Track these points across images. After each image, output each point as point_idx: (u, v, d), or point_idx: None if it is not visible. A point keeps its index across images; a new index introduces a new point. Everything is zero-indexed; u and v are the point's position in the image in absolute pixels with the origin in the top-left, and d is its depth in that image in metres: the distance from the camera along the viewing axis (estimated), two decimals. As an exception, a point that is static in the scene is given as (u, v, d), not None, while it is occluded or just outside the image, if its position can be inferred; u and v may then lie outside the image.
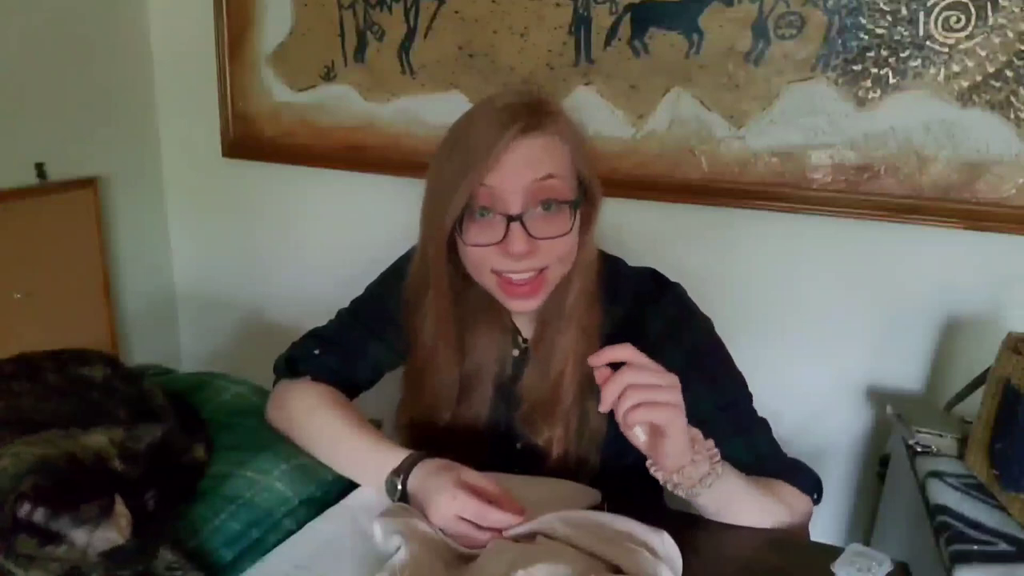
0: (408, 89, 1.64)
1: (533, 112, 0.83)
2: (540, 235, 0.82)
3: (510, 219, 0.81)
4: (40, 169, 1.63)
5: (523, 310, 0.88)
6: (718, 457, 0.80)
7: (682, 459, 0.77)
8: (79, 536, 0.60)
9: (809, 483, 0.91)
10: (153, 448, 0.68)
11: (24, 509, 0.58)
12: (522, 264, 0.83)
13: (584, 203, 0.87)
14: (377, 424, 0.96)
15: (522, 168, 0.81)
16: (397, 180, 1.65)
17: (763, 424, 0.93)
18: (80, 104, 1.71)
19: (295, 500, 0.84)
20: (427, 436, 0.97)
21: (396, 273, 1.03)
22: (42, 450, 0.63)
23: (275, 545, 0.78)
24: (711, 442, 0.81)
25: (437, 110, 1.61)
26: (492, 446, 0.97)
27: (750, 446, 0.90)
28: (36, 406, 0.74)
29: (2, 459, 0.62)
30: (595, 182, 0.88)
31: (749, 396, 0.94)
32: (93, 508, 0.61)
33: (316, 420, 0.93)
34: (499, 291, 0.87)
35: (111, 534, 0.61)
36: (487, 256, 0.84)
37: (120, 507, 0.62)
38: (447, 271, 0.89)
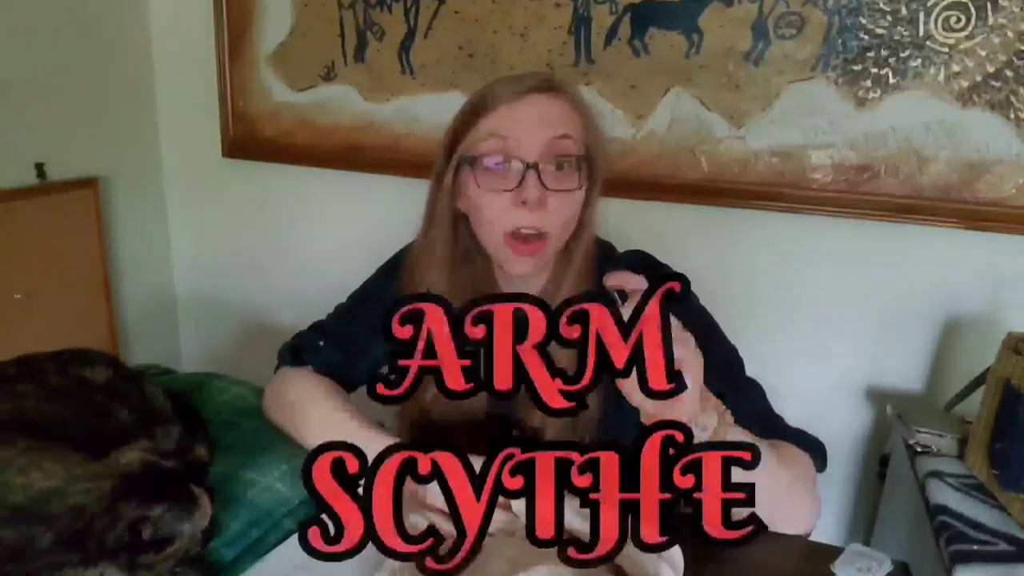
0: (408, 89, 1.64)
1: (549, 79, 0.90)
2: (552, 187, 0.86)
3: (527, 166, 0.85)
4: (40, 169, 1.63)
5: (522, 271, 0.90)
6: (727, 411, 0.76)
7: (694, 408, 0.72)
8: (186, 528, 0.67)
9: (817, 449, 0.89)
10: (180, 444, 0.79)
11: (148, 532, 0.65)
12: (534, 216, 0.86)
13: (589, 177, 0.90)
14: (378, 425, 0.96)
15: (540, 124, 0.86)
16: (397, 180, 1.65)
17: (759, 386, 0.93)
18: (80, 104, 1.71)
19: (295, 500, 0.83)
20: (424, 423, 0.98)
21: (391, 272, 1.03)
22: (106, 480, 0.67)
23: (275, 545, 0.78)
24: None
25: (437, 110, 1.61)
26: (489, 432, 0.98)
27: (748, 401, 0.88)
28: (39, 408, 0.74)
29: (73, 496, 0.64)
30: (600, 160, 0.92)
31: (741, 362, 0.94)
32: (183, 500, 0.68)
33: (316, 409, 0.93)
34: (506, 249, 0.89)
35: (205, 514, 0.70)
36: (502, 213, 0.87)
37: (197, 490, 0.70)
38: (452, 238, 0.93)
